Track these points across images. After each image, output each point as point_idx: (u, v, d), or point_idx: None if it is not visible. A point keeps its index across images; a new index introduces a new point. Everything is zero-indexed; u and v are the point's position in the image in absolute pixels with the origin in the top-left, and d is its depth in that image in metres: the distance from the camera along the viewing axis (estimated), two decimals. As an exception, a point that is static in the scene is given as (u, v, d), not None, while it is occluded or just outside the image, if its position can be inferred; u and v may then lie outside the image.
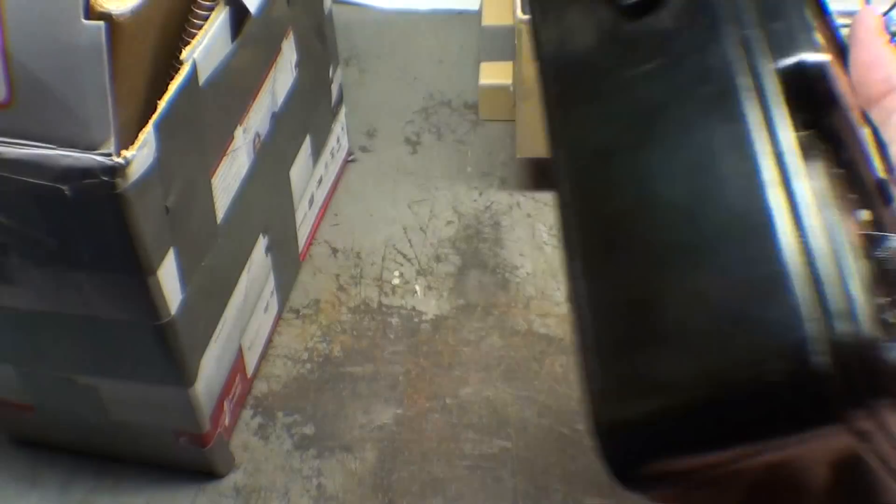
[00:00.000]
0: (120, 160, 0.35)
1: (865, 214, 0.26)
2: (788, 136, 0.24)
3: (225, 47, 0.43)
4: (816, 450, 0.24)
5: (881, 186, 0.26)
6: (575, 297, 0.27)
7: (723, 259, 0.24)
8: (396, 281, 0.64)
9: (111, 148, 0.36)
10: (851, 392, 0.21)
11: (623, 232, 0.27)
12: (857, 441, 0.23)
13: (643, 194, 0.27)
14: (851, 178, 0.26)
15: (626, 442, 0.26)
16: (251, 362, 0.56)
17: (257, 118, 0.50)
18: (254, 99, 0.49)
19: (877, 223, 0.26)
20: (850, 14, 0.29)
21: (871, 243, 0.24)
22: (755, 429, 0.23)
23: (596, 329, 0.27)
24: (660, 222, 0.26)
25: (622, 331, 0.26)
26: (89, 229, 0.38)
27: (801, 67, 0.25)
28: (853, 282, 0.22)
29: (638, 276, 0.26)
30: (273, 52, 0.51)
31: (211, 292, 0.47)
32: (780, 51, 0.25)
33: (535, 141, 0.67)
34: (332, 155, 0.68)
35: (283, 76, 0.53)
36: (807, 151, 0.24)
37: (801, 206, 0.23)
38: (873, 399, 0.21)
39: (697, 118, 0.26)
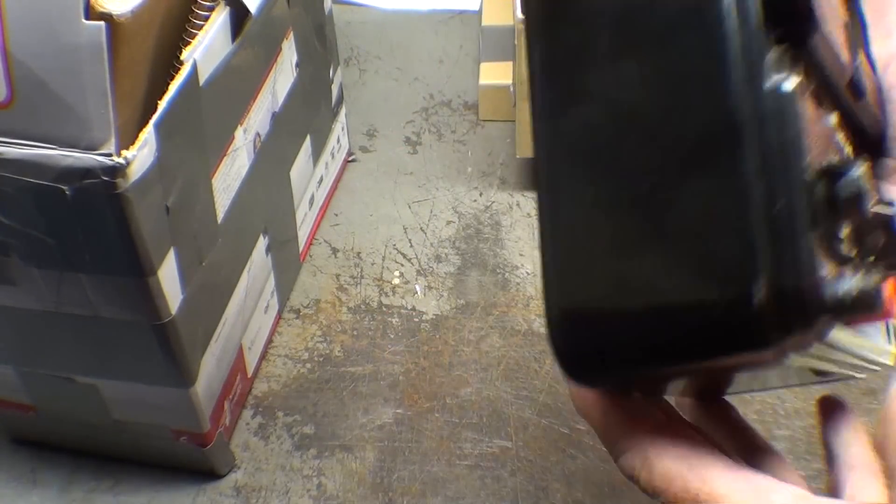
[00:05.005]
0: (120, 160, 0.35)
1: (834, 118, 0.27)
2: (764, 48, 0.25)
3: (225, 47, 0.43)
4: (748, 361, 0.26)
5: (854, 81, 0.27)
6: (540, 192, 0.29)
7: (691, 181, 0.26)
8: (396, 281, 0.64)
9: (111, 148, 0.36)
10: (785, 326, 0.24)
11: (593, 143, 0.28)
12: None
13: (616, 107, 0.27)
14: (823, 86, 0.27)
15: (574, 336, 0.28)
16: (251, 362, 0.56)
17: (257, 118, 0.50)
18: (254, 99, 0.49)
19: (847, 123, 0.27)
20: None
21: (831, 178, 0.25)
22: (697, 349, 0.26)
23: (561, 217, 0.28)
24: (632, 134, 0.27)
25: (592, 227, 0.28)
26: (89, 229, 0.38)
27: None
28: (803, 223, 0.24)
29: (610, 186, 0.28)
30: (273, 52, 0.51)
31: (211, 292, 0.47)
32: None
33: (535, 141, 0.67)
34: (333, 155, 0.68)
35: (283, 76, 0.53)
36: (780, 63, 0.25)
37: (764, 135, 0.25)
38: (805, 331, 0.24)
39: (675, 27, 0.26)
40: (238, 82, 0.46)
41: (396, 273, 0.64)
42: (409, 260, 0.65)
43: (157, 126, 0.37)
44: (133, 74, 0.37)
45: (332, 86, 0.66)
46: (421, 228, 0.67)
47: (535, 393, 0.56)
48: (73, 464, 0.54)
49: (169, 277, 0.41)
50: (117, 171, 0.35)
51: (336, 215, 0.69)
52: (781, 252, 0.24)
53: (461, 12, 0.86)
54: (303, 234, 0.64)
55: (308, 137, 0.61)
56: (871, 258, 0.26)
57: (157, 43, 0.39)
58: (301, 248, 0.64)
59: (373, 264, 0.65)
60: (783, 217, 0.24)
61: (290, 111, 0.55)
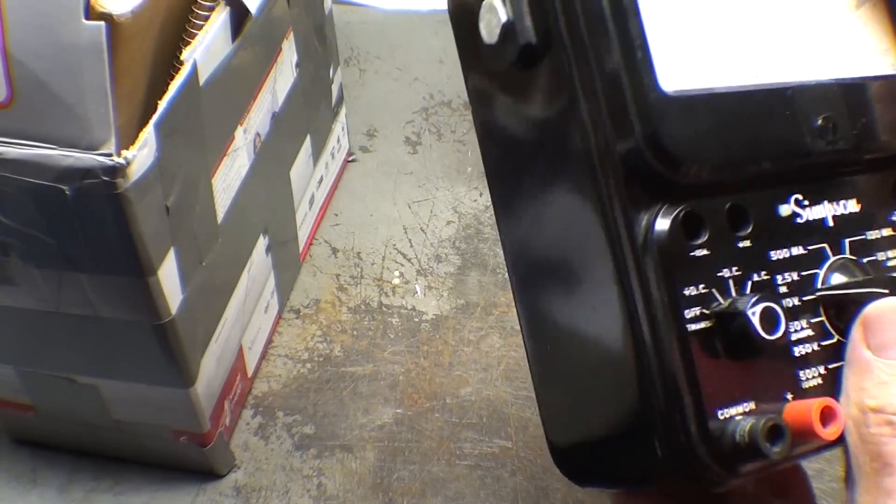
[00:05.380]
0: (120, 160, 0.35)
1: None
2: (630, 221, 0.28)
3: (225, 47, 0.43)
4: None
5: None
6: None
7: (590, 333, 0.30)
8: (396, 281, 0.64)
9: (111, 148, 0.36)
10: (687, 476, 0.28)
11: (526, 264, 0.33)
12: None
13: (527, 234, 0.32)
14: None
15: (563, 458, 0.33)
16: (251, 362, 0.56)
17: (257, 118, 0.50)
18: (254, 99, 0.49)
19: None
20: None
21: (719, 321, 0.28)
22: (645, 481, 0.30)
23: (533, 372, 0.34)
24: (543, 264, 0.32)
25: (550, 376, 0.33)
26: (89, 229, 0.38)
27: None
28: (686, 377, 0.27)
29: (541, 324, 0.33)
30: (273, 52, 0.51)
31: (211, 292, 0.47)
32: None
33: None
34: (333, 155, 0.68)
35: (283, 76, 0.53)
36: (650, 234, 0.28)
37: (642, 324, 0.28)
38: (708, 477, 0.28)
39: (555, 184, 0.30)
40: (238, 82, 0.46)
41: (396, 273, 0.64)
42: (409, 260, 0.65)
43: (157, 126, 0.37)
44: (133, 74, 0.37)
45: (332, 86, 0.66)
46: (421, 228, 0.67)
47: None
48: (73, 464, 0.54)
49: (169, 277, 0.41)
50: (117, 171, 0.35)
51: (336, 215, 0.69)
52: (666, 410, 0.27)
53: (461, 12, 0.86)
54: (303, 234, 0.64)
55: (308, 137, 0.61)
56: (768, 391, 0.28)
57: (157, 43, 0.39)
58: (301, 248, 0.64)
59: (373, 264, 0.65)
60: (666, 374, 0.27)
61: (290, 111, 0.55)
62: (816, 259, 0.30)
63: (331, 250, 0.66)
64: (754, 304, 0.27)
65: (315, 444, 0.55)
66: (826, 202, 0.30)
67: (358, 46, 0.84)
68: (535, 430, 0.55)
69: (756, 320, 0.27)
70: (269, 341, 0.60)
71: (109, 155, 0.35)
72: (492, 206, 0.33)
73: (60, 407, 0.50)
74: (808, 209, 0.30)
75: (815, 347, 0.29)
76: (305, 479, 0.53)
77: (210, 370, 0.48)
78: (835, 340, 0.29)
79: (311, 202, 0.65)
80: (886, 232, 0.31)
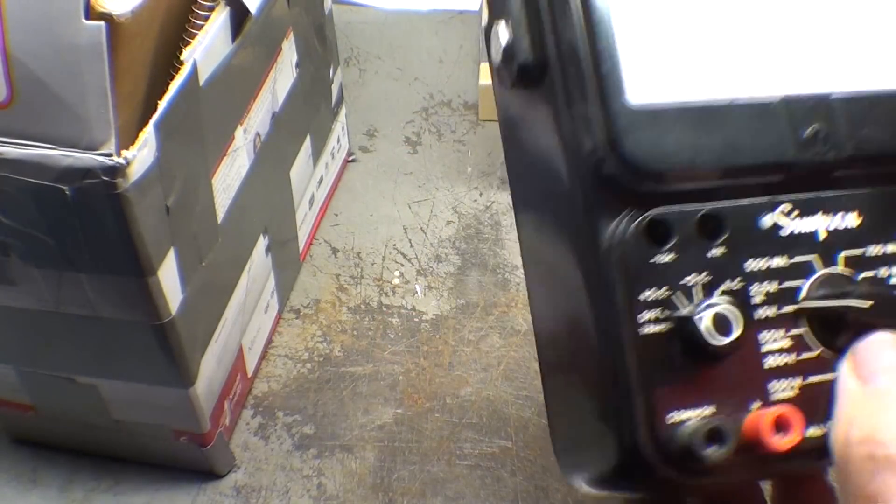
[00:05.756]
0: (120, 160, 0.35)
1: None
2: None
3: (225, 47, 0.43)
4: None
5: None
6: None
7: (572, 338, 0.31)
8: (396, 281, 0.64)
9: (111, 148, 0.36)
10: (647, 477, 0.28)
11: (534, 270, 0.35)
12: None
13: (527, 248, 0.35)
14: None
15: (561, 462, 0.34)
16: (251, 362, 0.56)
17: (257, 118, 0.50)
18: (254, 99, 0.49)
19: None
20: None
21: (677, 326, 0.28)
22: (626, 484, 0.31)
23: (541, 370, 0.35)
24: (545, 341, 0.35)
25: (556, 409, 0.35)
26: (89, 229, 0.38)
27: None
28: (640, 379, 0.28)
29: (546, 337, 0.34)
30: (273, 52, 0.51)
31: (211, 292, 0.47)
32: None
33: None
34: (333, 155, 0.68)
35: (283, 76, 0.53)
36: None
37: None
38: (664, 480, 0.28)
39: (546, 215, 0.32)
40: (238, 82, 0.46)
41: (396, 273, 0.64)
42: (409, 260, 0.65)
43: (157, 126, 0.37)
44: (133, 74, 0.37)
45: (332, 86, 0.66)
46: (421, 228, 0.67)
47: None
48: (73, 464, 0.54)
49: (169, 277, 0.41)
50: (117, 171, 0.35)
51: (336, 215, 0.69)
52: (619, 410, 0.28)
53: (461, 12, 0.86)
54: (303, 234, 0.64)
55: (308, 137, 0.61)
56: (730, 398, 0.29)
57: (157, 43, 0.39)
58: (301, 248, 0.64)
59: (373, 264, 0.65)
60: (619, 375, 0.28)
61: (290, 111, 0.55)
62: (802, 271, 0.29)
63: (331, 250, 0.66)
64: (703, 310, 0.27)
65: (315, 444, 0.55)
66: (820, 214, 0.30)
67: (358, 46, 0.84)
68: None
69: (703, 326, 0.27)
70: (269, 341, 0.60)
71: (109, 155, 0.35)
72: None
73: (60, 407, 0.50)
74: (797, 220, 0.30)
75: (792, 359, 0.29)
76: (305, 479, 0.53)
77: (210, 370, 0.48)
78: (816, 353, 0.29)
79: (311, 202, 0.65)
80: (893, 247, 0.30)
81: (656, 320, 0.28)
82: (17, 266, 0.40)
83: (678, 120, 0.28)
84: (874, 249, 0.30)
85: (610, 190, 0.28)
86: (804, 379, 0.29)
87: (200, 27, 0.41)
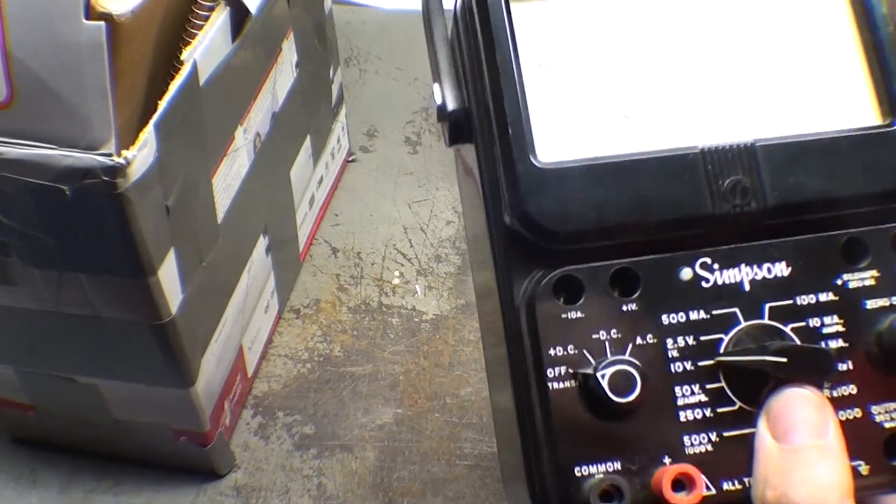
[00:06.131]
0: (120, 160, 0.35)
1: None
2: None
3: (225, 47, 0.43)
4: None
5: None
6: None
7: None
8: (396, 281, 0.64)
9: (111, 148, 0.36)
10: None
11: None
12: None
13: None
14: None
15: None
16: (251, 362, 0.56)
17: (257, 118, 0.50)
18: (254, 99, 0.49)
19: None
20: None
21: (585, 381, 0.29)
22: None
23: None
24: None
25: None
26: (89, 229, 0.38)
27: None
28: (547, 435, 0.28)
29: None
30: (273, 52, 0.51)
31: (211, 292, 0.47)
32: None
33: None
34: (333, 155, 0.68)
35: (283, 76, 0.53)
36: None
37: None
38: None
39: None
40: (238, 82, 0.46)
41: (396, 273, 0.64)
42: (409, 260, 0.65)
43: (157, 126, 0.37)
44: (133, 74, 0.37)
45: (332, 86, 0.66)
46: (421, 228, 0.67)
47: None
48: (73, 464, 0.54)
49: (169, 277, 0.41)
50: (117, 171, 0.35)
51: (336, 215, 0.69)
52: (530, 463, 0.29)
53: (461, 12, 0.86)
54: (303, 234, 0.64)
55: (308, 137, 0.61)
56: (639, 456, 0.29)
57: (157, 43, 0.39)
58: (301, 248, 0.64)
59: (373, 264, 0.65)
60: (529, 429, 0.29)
61: (290, 111, 0.55)
62: (723, 324, 0.29)
63: (331, 250, 0.66)
64: (605, 367, 0.27)
65: (315, 444, 0.55)
66: (742, 266, 0.29)
67: (358, 46, 0.84)
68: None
69: (605, 383, 0.27)
70: (269, 341, 0.60)
71: (109, 155, 0.35)
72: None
73: (60, 407, 0.50)
74: (718, 273, 0.29)
75: (708, 413, 0.29)
76: (305, 479, 0.53)
77: (210, 370, 0.48)
78: (735, 408, 0.29)
79: (311, 202, 0.65)
80: (825, 297, 0.29)
81: (564, 376, 0.28)
82: (17, 266, 0.40)
83: (586, 177, 0.28)
84: (804, 299, 0.29)
85: (523, 248, 0.29)
86: (721, 434, 0.28)
87: (200, 27, 0.41)
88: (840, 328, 0.29)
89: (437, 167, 0.72)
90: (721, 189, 0.29)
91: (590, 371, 0.28)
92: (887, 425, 0.29)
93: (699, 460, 0.28)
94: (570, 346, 0.28)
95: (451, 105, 0.31)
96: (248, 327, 0.54)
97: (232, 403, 0.53)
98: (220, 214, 0.46)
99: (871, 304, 0.29)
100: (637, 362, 0.28)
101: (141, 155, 0.36)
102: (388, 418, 0.56)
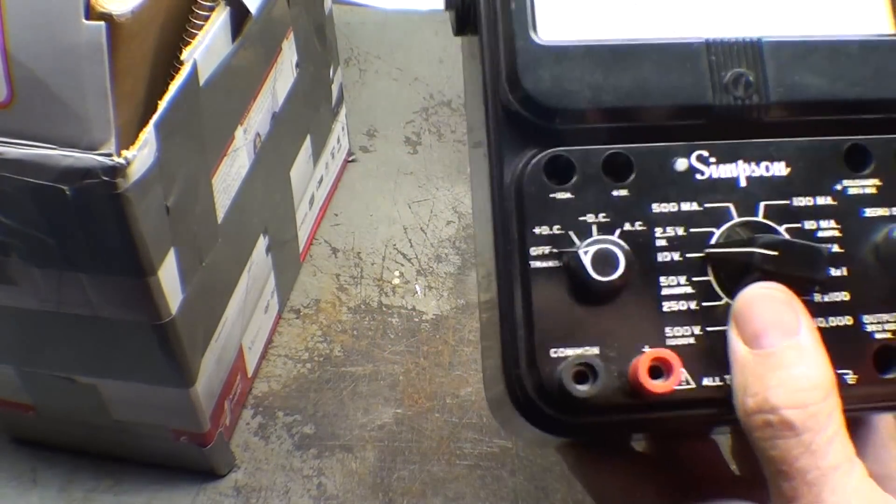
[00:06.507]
0: (120, 160, 0.35)
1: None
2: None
3: (225, 47, 0.43)
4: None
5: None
6: None
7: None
8: (396, 281, 0.64)
9: (111, 148, 0.36)
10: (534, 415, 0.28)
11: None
12: None
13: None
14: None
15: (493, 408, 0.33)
16: (251, 362, 0.56)
17: (257, 118, 0.50)
18: (254, 99, 0.49)
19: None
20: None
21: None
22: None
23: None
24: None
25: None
26: (89, 229, 0.38)
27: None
28: (523, 316, 0.28)
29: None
30: (273, 52, 0.51)
31: (211, 292, 0.47)
32: None
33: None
34: (333, 155, 0.68)
35: (283, 76, 0.53)
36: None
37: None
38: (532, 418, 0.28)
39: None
40: (238, 82, 0.46)
41: (396, 273, 0.64)
42: (409, 260, 0.65)
43: (157, 126, 0.37)
44: (133, 74, 0.37)
45: (332, 86, 0.66)
46: (421, 228, 0.67)
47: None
48: (73, 464, 0.54)
49: (169, 277, 0.41)
50: (117, 171, 0.35)
51: (336, 215, 0.69)
52: (506, 344, 0.28)
53: (461, 12, 0.86)
54: (303, 234, 0.64)
55: (308, 137, 0.61)
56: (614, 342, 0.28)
57: (157, 43, 0.39)
58: (301, 248, 0.64)
59: (373, 264, 0.65)
60: (507, 308, 0.28)
61: (290, 111, 0.55)
62: (715, 218, 0.28)
63: (331, 250, 0.66)
64: (589, 245, 0.27)
65: (315, 444, 0.55)
66: (740, 162, 0.29)
67: (358, 46, 0.84)
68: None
69: (588, 260, 0.27)
70: (269, 341, 0.60)
71: (109, 155, 0.35)
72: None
73: (60, 407, 0.50)
74: (714, 167, 0.29)
75: (693, 306, 0.28)
76: (305, 479, 0.53)
77: (210, 370, 0.48)
78: (722, 303, 0.28)
79: (311, 202, 0.65)
80: (823, 200, 0.29)
81: (547, 256, 0.28)
82: (18, 266, 0.40)
83: (586, 58, 0.28)
84: (801, 201, 0.29)
85: (518, 126, 0.28)
86: (704, 328, 0.28)
87: (200, 27, 0.41)
88: (836, 233, 0.29)
89: (437, 167, 0.72)
90: (723, 81, 0.29)
91: (573, 250, 0.27)
92: (878, 335, 0.28)
93: (680, 352, 0.27)
94: (556, 227, 0.28)
95: None
96: (248, 327, 0.54)
97: (232, 403, 0.53)
98: (220, 214, 0.46)
99: (870, 212, 0.29)
100: (623, 243, 0.27)
101: (141, 155, 0.36)
102: (388, 418, 0.56)
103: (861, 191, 0.29)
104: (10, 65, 0.35)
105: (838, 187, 0.29)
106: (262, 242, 0.55)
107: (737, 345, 0.27)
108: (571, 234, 0.28)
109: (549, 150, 0.28)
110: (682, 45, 0.29)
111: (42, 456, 0.54)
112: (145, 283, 0.40)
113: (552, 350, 0.27)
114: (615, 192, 0.28)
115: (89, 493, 0.52)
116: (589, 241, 0.27)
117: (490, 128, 0.29)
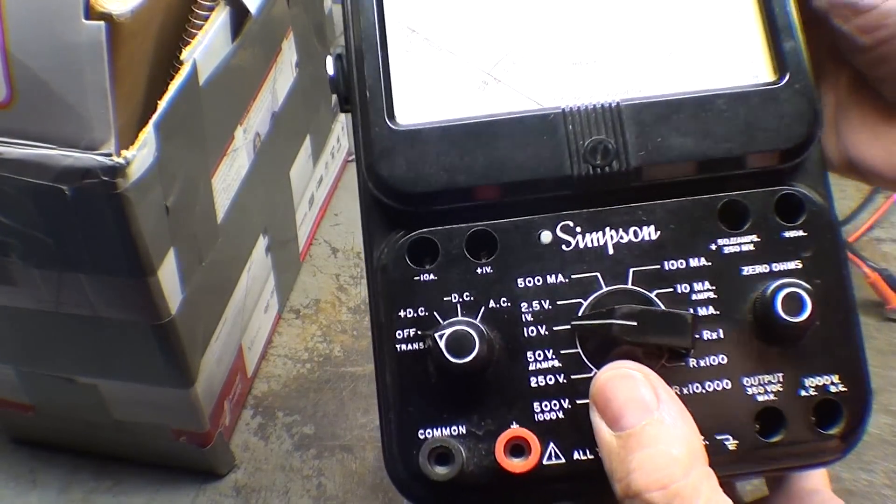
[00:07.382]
0: (120, 160, 0.35)
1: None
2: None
3: (225, 47, 0.43)
4: None
5: None
6: None
7: None
8: (396, 281, 0.64)
9: (111, 148, 0.36)
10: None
11: None
12: None
13: None
14: None
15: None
16: (251, 362, 0.56)
17: (257, 118, 0.50)
18: (254, 99, 0.49)
19: None
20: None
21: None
22: None
23: None
24: None
25: None
26: (89, 229, 0.38)
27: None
28: (398, 394, 0.28)
29: None
30: (273, 52, 0.51)
31: (211, 292, 0.47)
32: None
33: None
34: (333, 155, 0.68)
35: (283, 76, 0.53)
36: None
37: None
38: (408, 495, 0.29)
39: None
40: (238, 82, 0.46)
41: (396, 273, 0.64)
42: (409, 260, 0.65)
43: (157, 126, 0.37)
44: (133, 74, 0.37)
45: (332, 86, 0.66)
46: (421, 228, 0.67)
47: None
48: (72, 464, 0.54)
49: (169, 277, 0.41)
50: (117, 171, 0.35)
51: (336, 215, 0.69)
52: (381, 425, 0.29)
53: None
54: (303, 234, 0.64)
55: (308, 137, 0.61)
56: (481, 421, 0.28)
57: (157, 43, 0.39)
58: (301, 248, 0.64)
59: (373, 264, 0.65)
60: (380, 390, 0.28)
61: (290, 111, 0.55)
62: (583, 288, 0.28)
63: (331, 250, 0.66)
64: (444, 328, 0.27)
65: (315, 444, 0.55)
66: (608, 229, 0.28)
67: (358, 46, 0.84)
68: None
69: (442, 343, 0.26)
70: (269, 341, 0.60)
71: (109, 155, 0.35)
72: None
73: (60, 407, 0.50)
74: (581, 236, 0.28)
75: (562, 380, 0.28)
76: (305, 479, 0.53)
77: (210, 370, 0.48)
78: (590, 375, 0.27)
79: (311, 202, 0.65)
80: (697, 262, 0.28)
81: (412, 338, 0.28)
82: (17, 266, 0.40)
83: (442, 140, 0.28)
84: (673, 264, 0.28)
85: (383, 210, 0.29)
86: (574, 400, 0.28)
87: (200, 27, 0.41)
88: (712, 294, 0.28)
89: (436, 167, 0.72)
90: (581, 150, 0.28)
91: (432, 333, 0.27)
92: (760, 398, 0.27)
93: (548, 428, 0.27)
94: (421, 309, 0.28)
95: (331, 72, 0.30)
96: (248, 327, 0.54)
97: (232, 403, 0.53)
98: (220, 214, 0.46)
99: (749, 270, 0.28)
100: (479, 324, 0.27)
101: (141, 155, 0.36)
102: (388, 418, 0.56)
103: (738, 248, 0.28)
104: (10, 65, 0.35)
105: (713, 247, 0.28)
106: (262, 242, 0.55)
107: (601, 428, 0.26)
108: (436, 314, 0.28)
109: (413, 233, 0.28)
110: (539, 116, 0.28)
111: (42, 456, 0.54)
112: (145, 284, 0.40)
113: (420, 431, 0.28)
114: (480, 270, 0.28)
115: (89, 494, 0.52)
116: (447, 322, 0.27)
117: (362, 211, 0.29)
